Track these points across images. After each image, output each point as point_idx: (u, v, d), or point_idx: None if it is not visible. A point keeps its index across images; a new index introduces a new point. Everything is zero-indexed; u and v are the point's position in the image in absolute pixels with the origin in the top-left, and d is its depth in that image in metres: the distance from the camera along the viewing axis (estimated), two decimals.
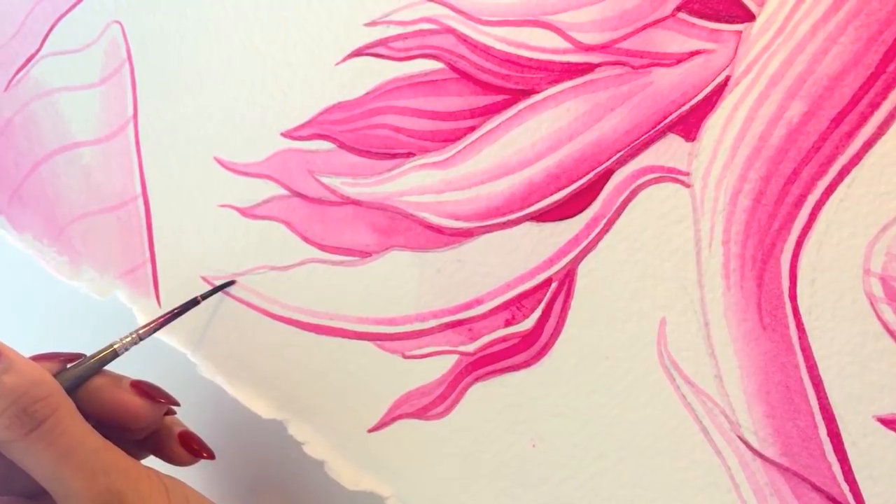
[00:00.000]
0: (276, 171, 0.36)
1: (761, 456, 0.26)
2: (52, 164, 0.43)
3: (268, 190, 0.36)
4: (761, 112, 0.26)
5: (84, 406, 0.30)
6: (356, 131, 0.33)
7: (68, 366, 0.31)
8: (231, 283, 0.36)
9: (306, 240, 0.35)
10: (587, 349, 0.29)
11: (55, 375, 0.29)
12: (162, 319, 0.33)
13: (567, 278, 0.29)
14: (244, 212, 0.37)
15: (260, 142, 0.36)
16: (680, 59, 0.27)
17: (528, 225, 0.30)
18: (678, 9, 0.27)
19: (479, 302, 0.31)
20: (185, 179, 0.38)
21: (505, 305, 0.31)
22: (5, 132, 0.44)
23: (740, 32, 0.26)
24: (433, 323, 0.32)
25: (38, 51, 0.43)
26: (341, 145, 0.34)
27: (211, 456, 0.34)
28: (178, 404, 0.34)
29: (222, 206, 0.37)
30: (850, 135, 0.25)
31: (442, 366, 0.32)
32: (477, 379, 0.31)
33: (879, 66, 0.24)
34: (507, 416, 0.31)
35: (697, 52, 0.27)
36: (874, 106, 0.24)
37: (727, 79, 0.27)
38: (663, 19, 0.27)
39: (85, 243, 0.42)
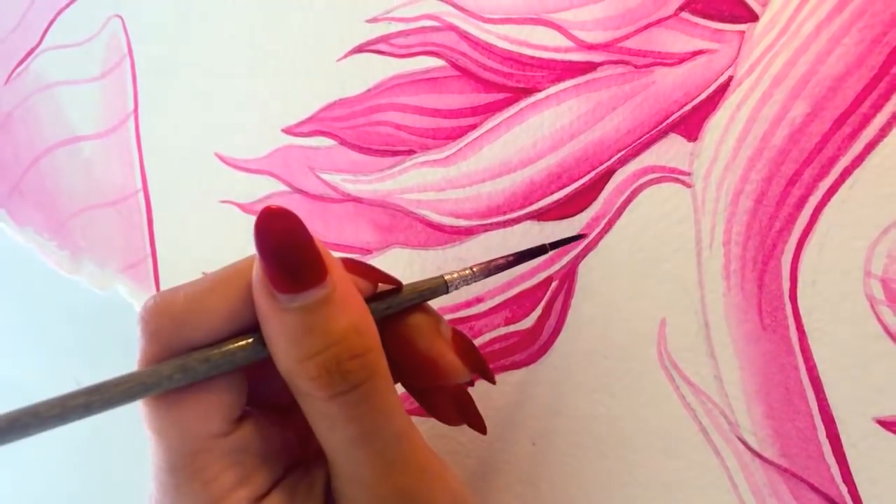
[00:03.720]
0: (277, 167, 0.36)
1: (760, 456, 0.26)
2: (53, 158, 0.43)
3: (268, 186, 0.36)
4: (764, 113, 0.26)
5: (388, 339, 0.24)
6: (357, 128, 0.33)
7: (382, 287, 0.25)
8: (582, 236, 0.29)
9: None
10: (587, 348, 0.29)
11: (367, 302, 0.23)
12: (502, 261, 0.27)
13: (567, 277, 0.29)
14: (245, 207, 0.37)
15: (261, 138, 0.36)
16: (682, 58, 0.27)
17: (528, 223, 0.30)
18: (681, 8, 0.27)
19: (479, 300, 0.31)
20: (185, 174, 0.38)
21: (505, 304, 0.31)
22: (5, 126, 0.44)
23: (743, 32, 0.26)
24: None
25: (38, 44, 0.43)
26: (342, 142, 0.34)
27: (483, 430, 0.28)
28: (494, 382, 0.28)
29: (223, 201, 0.37)
30: (853, 136, 0.25)
31: None
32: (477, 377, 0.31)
33: (883, 68, 0.24)
34: (507, 414, 0.31)
35: (700, 52, 0.27)
36: (877, 108, 0.24)
37: (730, 79, 0.26)
38: (666, 19, 0.27)
39: (86, 237, 0.42)
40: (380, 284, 0.24)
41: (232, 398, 0.22)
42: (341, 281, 0.21)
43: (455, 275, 0.26)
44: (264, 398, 0.24)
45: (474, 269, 0.26)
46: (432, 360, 0.25)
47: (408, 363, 0.25)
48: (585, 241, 0.29)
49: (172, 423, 0.21)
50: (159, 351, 0.21)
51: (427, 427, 0.32)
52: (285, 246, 0.20)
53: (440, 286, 0.25)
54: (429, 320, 0.25)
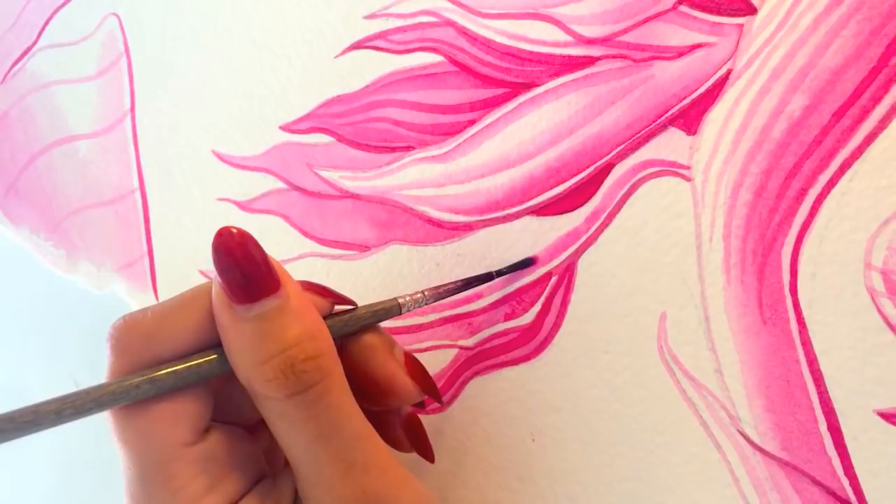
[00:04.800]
0: (275, 164, 0.35)
1: (761, 450, 0.26)
2: (49, 158, 0.43)
3: (266, 184, 0.36)
4: (763, 106, 0.26)
5: (343, 360, 0.25)
6: (355, 125, 0.33)
7: (337, 308, 0.26)
8: (532, 260, 0.30)
9: (305, 234, 0.35)
10: (587, 343, 0.29)
11: (324, 319, 0.24)
12: (452, 286, 0.29)
13: (567, 272, 0.29)
14: (242, 206, 0.37)
15: (258, 135, 0.36)
16: (681, 52, 0.27)
17: (528, 219, 0.30)
18: (679, 2, 0.27)
19: (478, 296, 0.31)
20: (182, 173, 0.38)
21: (504, 300, 0.31)
22: (1, 125, 0.44)
23: (742, 26, 0.26)
24: (433, 317, 0.32)
25: (34, 43, 0.43)
26: (340, 139, 0.34)
27: (431, 459, 0.29)
28: (442, 403, 0.29)
29: (220, 199, 0.37)
30: (852, 129, 0.25)
31: (441, 360, 0.32)
32: (476, 373, 0.31)
33: (881, 60, 0.24)
34: (507, 410, 0.31)
35: (699, 46, 0.27)
36: (876, 100, 0.24)
37: (728, 72, 0.26)
38: (664, 12, 0.27)
39: (82, 237, 0.42)
40: (337, 306, 0.26)
41: (198, 409, 0.23)
42: (295, 292, 0.23)
43: (408, 297, 0.27)
44: (232, 417, 0.25)
45: (426, 293, 0.28)
46: (385, 380, 0.26)
47: (362, 383, 0.26)
48: (584, 238, 0.29)
49: (140, 432, 0.22)
50: (128, 365, 0.22)
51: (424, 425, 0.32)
52: (239, 260, 0.22)
53: (393, 307, 0.27)
54: (383, 341, 0.27)
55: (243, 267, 0.22)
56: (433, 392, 0.28)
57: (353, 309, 0.26)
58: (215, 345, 0.23)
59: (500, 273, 0.30)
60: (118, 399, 0.21)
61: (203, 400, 0.23)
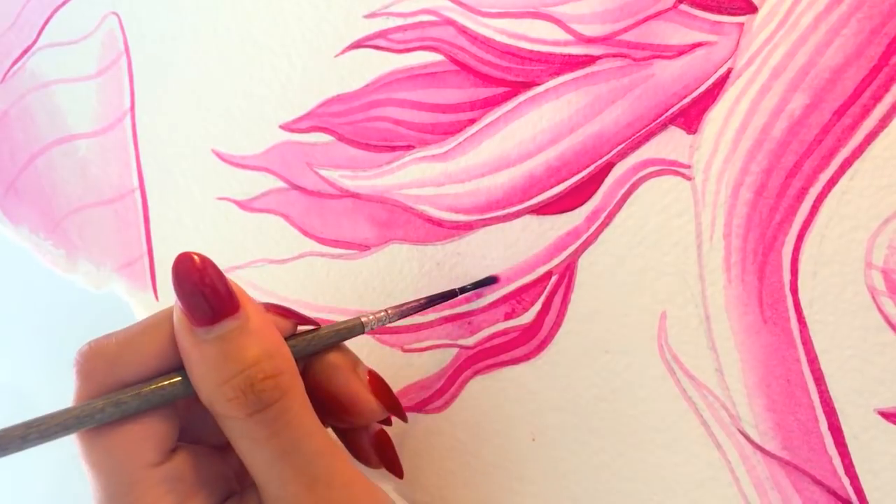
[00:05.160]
0: (275, 163, 0.35)
1: (762, 450, 0.26)
2: (49, 157, 0.43)
3: (266, 183, 0.36)
4: (763, 104, 0.26)
5: (308, 377, 0.27)
6: (355, 124, 0.33)
7: (301, 328, 0.27)
8: (494, 279, 0.31)
9: (305, 233, 0.35)
10: (587, 343, 0.29)
11: (287, 339, 0.25)
12: (415, 304, 0.29)
13: (567, 272, 0.29)
14: (242, 205, 0.37)
15: (258, 134, 0.36)
16: (681, 51, 0.27)
17: (528, 218, 0.30)
18: (680, 0, 0.27)
19: (478, 295, 0.31)
20: (182, 172, 0.38)
21: (505, 299, 0.31)
22: (1, 124, 0.44)
23: (742, 24, 0.26)
24: (432, 316, 0.32)
25: (34, 42, 0.43)
26: (340, 138, 0.34)
27: (400, 475, 0.30)
28: (405, 420, 0.30)
29: (220, 198, 0.37)
30: (853, 127, 0.25)
31: (441, 359, 0.32)
32: (476, 372, 0.31)
33: (882, 59, 0.24)
34: (507, 409, 0.31)
35: (699, 45, 0.27)
36: (876, 98, 0.24)
37: (729, 71, 0.26)
38: (665, 11, 0.27)
39: (82, 236, 0.42)
40: (300, 327, 0.27)
41: (164, 430, 0.23)
42: (255, 313, 0.23)
43: (371, 316, 0.28)
44: (199, 439, 0.26)
45: (389, 312, 0.28)
46: (349, 399, 0.27)
47: (326, 402, 0.27)
48: (584, 237, 0.29)
49: (107, 454, 0.23)
50: (94, 389, 0.23)
51: (423, 426, 0.32)
52: (198, 284, 0.22)
53: (356, 326, 0.27)
54: (346, 360, 0.27)
55: (202, 291, 0.22)
56: (397, 410, 0.29)
57: (315, 329, 0.27)
58: (179, 367, 0.23)
59: (463, 290, 0.31)
60: (83, 422, 0.22)
61: (169, 421, 0.24)
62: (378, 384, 0.28)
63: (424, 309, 0.30)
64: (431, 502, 0.32)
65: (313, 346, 0.26)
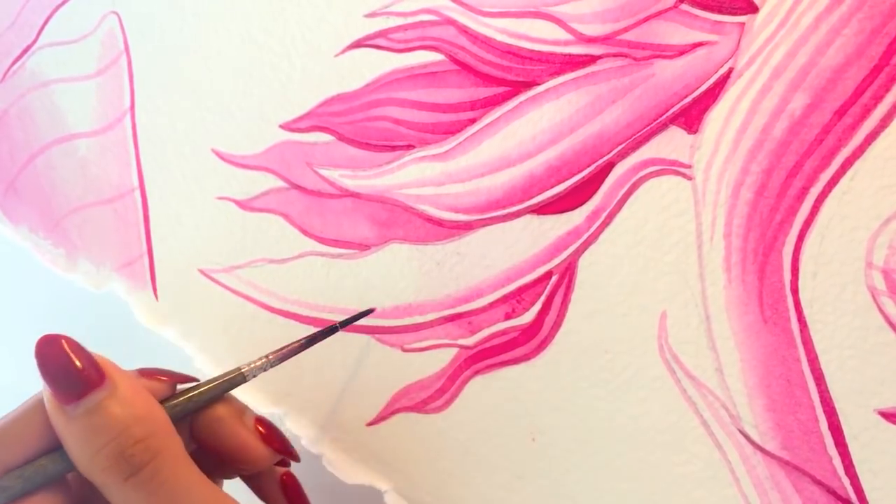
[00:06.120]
0: (275, 163, 0.35)
1: (762, 449, 0.26)
2: (48, 156, 0.43)
3: (266, 182, 0.36)
4: (764, 104, 0.26)
5: (196, 432, 0.28)
6: (355, 123, 0.33)
7: (180, 387, 0.28)
8: (370, 311, 0.33)
9: (305, 232, 0.35)
10: (587, 343, 0.29)
11: (165, 401, 0.26)
12: (296, 346, 0.30)
13: (567, 271, 0.29)
14: (242, 204, 0.37)
15: (258, 134, 0.36)
16: (682, 50, 0.27)
17: (528, 217, 0.30)
18: (681, 0, 0.27)
19: (479, 295, 0.31)
20: (182, 171, 0.38)
21: (505, 298, 0.31)
22: (1, 124, 0.44)
23: (743, 24, 0.26)
24: (433, 316, 0.32)
25: (34, 42, 0.43)
26: (340, 137, 0.34)
27: None
28: (298, 460, 0.30)
29: (220, 198, 0.37)
30: (853, 127, 0.25)
31: (441, 359, 0.32)
32: (476, 372, 0.31)
33: (883, 59, 0.24)
34: (507, 409, 0.31)
35: (700, 44, 0.27)
36: (877, 98, 0.24)
37: (730, 71, 0.26)
38: (666, 11, 0.27)
39: (81, 236, 0.42)
40: (180, 386, 0.28)
41: None
42: (122, 381, 0.24)
43: (252, 365, 0.28)
44: None
45: (269, 357, 0.29)
46: (237, 447, 0.28)
47: (217, 453, 0.28)
48: (584, 236, 0.29)
49: None
50: None
51: (421, 426, 0.32)
52: (60, 364, 0.23)
53: (237, 377, 0.28)
54: (231, 410, 0.28)
55: (64, 370, 0.23)
56: (288, 452, 0.29)
57: (195, 386, 0.28)
58: (60, 445, 0.24)
59: (343, 324, 0.31)
60: None
61: (60, 499, 0.25)
62: (266, 430, 0.29)
63: (304, 349, 0.30)
64: (431, 502, 0.32)
65: (194, 402, 0.27)
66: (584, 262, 0.29)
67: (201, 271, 0.38)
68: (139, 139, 0.40)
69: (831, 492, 0.25)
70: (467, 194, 0.31)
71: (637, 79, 0.28)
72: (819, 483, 0.25)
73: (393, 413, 0.33)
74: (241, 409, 0.29)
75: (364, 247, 0.33)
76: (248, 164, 0.36)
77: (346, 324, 0.31)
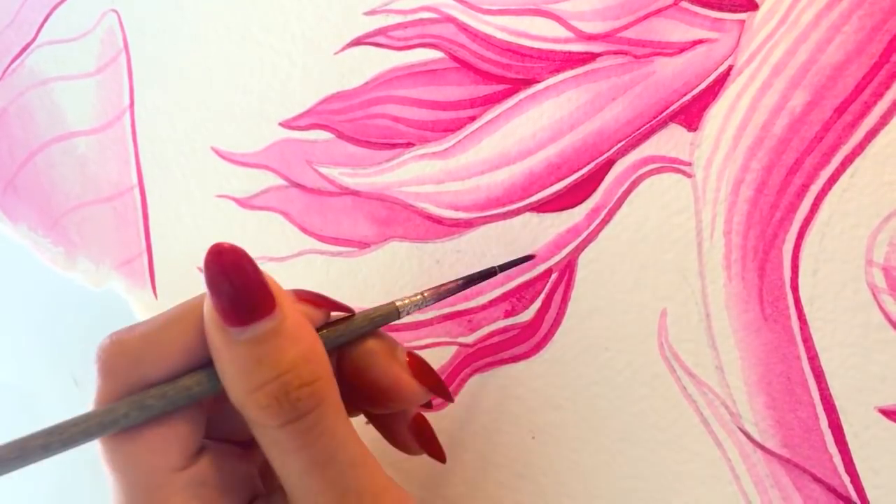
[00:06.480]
0: (274, 161, 0.35)
1: (762, 447, 0.26)
2: (48, 154, 0.42)
3: (266, 180, 0.36)
4: (764, 102, 0.26)
5: (344, 366, 0.26)
6: (355, 121, 0.33)
7: (334, 314, 0.26)
8: (531, 257, 0.30)
9: (304, 230, 0.35)
10: (587, 341, 0.29)
11: (318, 331, 0.23)
12: (453, 285, 0.28)
13: (567, 269, 0.29)
14: (241, 202, 0.36)
15: (258, 132, 0.36)
16: (682, 48, 0.27)
17: (528, 215, 0.30)
18: None
19: (478, 293, 0.31)
20: (181, 169, 0.38)
21: (504, 296, 0.31)
22: (0, 122, 0.44)
23: (743, 21, 0.26)
24: (432, 314, 0.32)
25: (33, 40, 0.43)
26: (340, 135, 0.34)
27: (443, 459, 0.28)
28: (452, 400, 0.28)
29: (220, 196, 0.37)
30: (853, 125, 0.25)
31: (441, 357, 0.32)
32: (476, 370, 0.31)
33: (883, 56, 0.24)
34: (507, 407, 0.31)
35: (700, 42, 0.27)
36: (877, 96, 0.24)
37: (730, 68, 0.26)
38: (666, 8, 0.27)
39: (80, 234, 0.42)
40: (333, 313, 0.25)
41: (189, 432, 0.22)
42: (291, 312, 0.22)
43: (406, 301, 0.26)
44: (225, 434, 0.25)
45: (425, 294, 0.27)
46: (389, 384, 0.26)
47: (366, 388, 0.26)
48: (584, 234, 0.29)
49: (130, 459, 0.21)
50: (116, 389, 0.21)
51: None
52: (233, 281, 0.21)
53: (392, 312, 0.26)
54: (383, 345, 0.26)
55: (238, 288, 0.21)
56: (441, 390, 0.27)
57: (350, 316, 0.25)
58: (207, 363, 0.22)
59: (502, 268, 0.29)
60: (107, 428, 0.21)
61: (194, 421, 0.23)
62: (419, 366, 0.27)
63: (462, 290, 0.28)
64: (431, 500, 0.32)
65: (347, 336, 0.25)
66: (583, 260, 0.29)
67: (201, 270, 0.38)
68: (138, 137, 0.40)
69: (831, 490, 0.25)
70: (467, 192, 0.31)
71: (637, 76, 0.28)
72: (819, 481, 0.25)
73: None
74: (394, 344, 0.27)
75: (364, 245, 0.33)
76: (247, 162, 0.36)
77: (505, 268, 0.29)
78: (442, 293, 0.28)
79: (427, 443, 0.28)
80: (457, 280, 0.28)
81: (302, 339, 0.22)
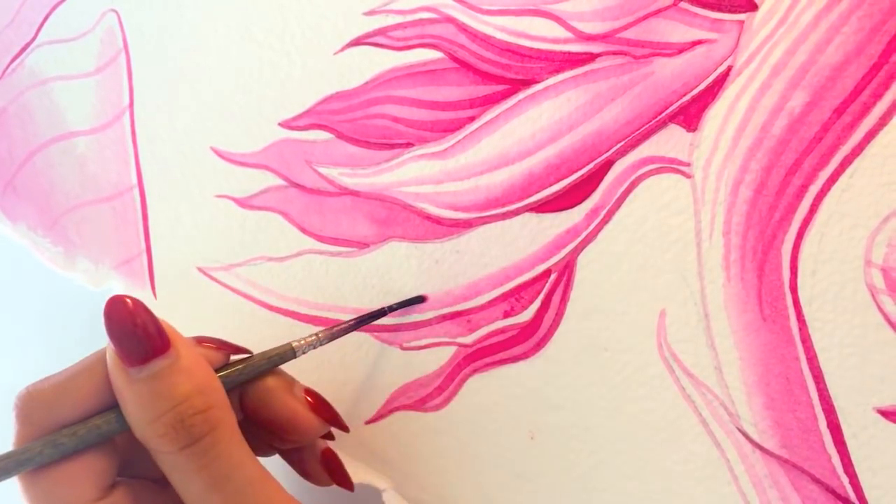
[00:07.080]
0: (274, 161, 0.35)
1: (761, 448, 0.26)
2: (47, 154, 0.42)
3: (265, 180, 0.36)
4: (763, 102, 0.26)
5: (245, 403, 0.28)
6: (355, 121, 0.33)
7: (234, 357, 0.28)
8: (422, 299, 0.32)
9: (304, 231, 0.35)
10: (586, 341, 0.29)
11: (218, 371, 0.26)
12: (345, 326, 0.30)
13: (566, 269, 0.29)
14: (241, 202, 0.36)
15: (257, 132, 0.36)
16: (682, 48, 0.27)
17: (527, 216, 0.30)
18: None
19: (477, 293, 0.31)
20: (181, 169, 0.38)
21: (504, 297, 0.31)
22: None
23: (742, 22, 0.26)
24: (431, 314, 0.32)
25: (33, 39, 0.43)
26: (339, 135, 0.34)
27: (350, 488, 0.31)
28: (347, 430, 0.31)
29: (219, 196, 0.37)
30: (853, 125, 0.25)
31: (440, 357, 0.32)
32: (475, 370, 0.31)
33: (882, 57, 0.24)
34: (506, 407, 0.31)
35: (699, 42, 0.27)
36: (876, 96, 0.24)
37: (729, 69, 0.26)
38: (665, 9, 0.27)
39: (80, 234, 0.42)
40: (233, 357, 0.28)
41: (102, 467, 0.24)
42: (185, 351, 0.24)
43: (302, 341, 0.29)
44: (140, 472, 0.27)
45: (319, 336, 0.29)
46: (288, 417, 0.28)
47: (268, 424, 0.28)
48: (583, 235, 0.29)
49: (46, 493, 0.24)
50: (32, 432, 0.24)
51: (420, 425, 0.32)
52: (129, 326, 0.23)
53: (288, 352, 0.28)
54: (281, 382, 0.28)
55: (133, 331, 0.23)
56: (337, 422, 0.30)
57: (248, 357, 0.28)
58: (114, 405, 0.24)
59: (391, 309, 0.31)
60: (23, 465, 0.23)
61: (107, 457, 0.25)
62: (316, 400, 0.29)
63: (354, 329, 0.30)
64: (430, 501, 0.32)
65: (246, 374, 0.27)
66: (582, 261, 0.29)
67: (200, 269, 0.38)
68: (138, 137, 0.40)
69: (830, 490, 0.25)
70: (466, 192, 0.31)
71: (636, 77, 0.28)
72: (818, 481, 0.25)
73: (391, 411, 0.33)
74: (291, 381, 0.29)
75: (363, 245, 0.33)
76: (247, 162, 0.36)
77: (393, 309, 0.32)
78: (335, 333, 0.30)
79: (335, 473, 0.30)
80: (349, 321, 0.30)
81: (195, 374, 0.24)
